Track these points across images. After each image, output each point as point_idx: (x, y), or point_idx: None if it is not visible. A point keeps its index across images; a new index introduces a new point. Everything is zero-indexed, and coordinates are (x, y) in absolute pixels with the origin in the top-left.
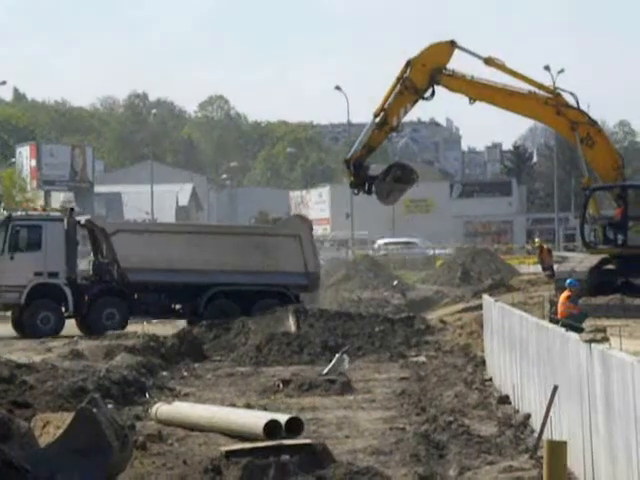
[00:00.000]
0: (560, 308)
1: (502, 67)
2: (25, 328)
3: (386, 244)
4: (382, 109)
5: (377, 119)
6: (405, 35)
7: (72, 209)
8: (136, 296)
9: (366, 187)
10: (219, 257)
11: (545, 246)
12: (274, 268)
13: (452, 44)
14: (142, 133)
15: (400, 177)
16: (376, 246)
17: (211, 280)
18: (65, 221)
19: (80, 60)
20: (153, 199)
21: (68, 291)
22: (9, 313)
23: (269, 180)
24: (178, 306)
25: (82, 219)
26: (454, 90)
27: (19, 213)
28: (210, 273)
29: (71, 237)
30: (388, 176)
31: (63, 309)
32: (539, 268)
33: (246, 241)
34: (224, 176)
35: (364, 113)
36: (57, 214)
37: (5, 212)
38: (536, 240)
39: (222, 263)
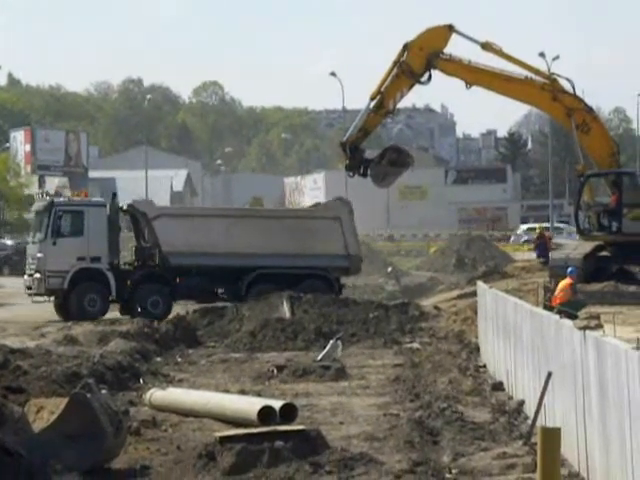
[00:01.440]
0: (559, 294)
1: (499, 52)
2: (72, 311)
3: (529, 229)
4: (378, 92)
5: (373, 102)
6: (401, 22)
7: (115, 194)
8: (178, 280)
9: (361, 170)
10: (260, 240)
11: (547, 233)
12: (315, 251)
13: (450, 28)
14: (136, 118)
15: (396, 160)
16: (519, 231)
17: (253, 263)
18: (107, 206)
19: (75, 45)
20: (148, 184)
21: (111, 276)
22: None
23: (264, 166)
24: (220, 290)
25: (124, 204)
26: (451, 74)
27: (61, 199)
28: (252, 256)
29: (113, 222)
30: (384, 159)
31: None
32: (533, 255)
33: (287, 224)
34: (219, 162)
35: (359, 99)
36: (100, 199)
37: (48, 197)
38: (537, 226)
39: (263, 246)
